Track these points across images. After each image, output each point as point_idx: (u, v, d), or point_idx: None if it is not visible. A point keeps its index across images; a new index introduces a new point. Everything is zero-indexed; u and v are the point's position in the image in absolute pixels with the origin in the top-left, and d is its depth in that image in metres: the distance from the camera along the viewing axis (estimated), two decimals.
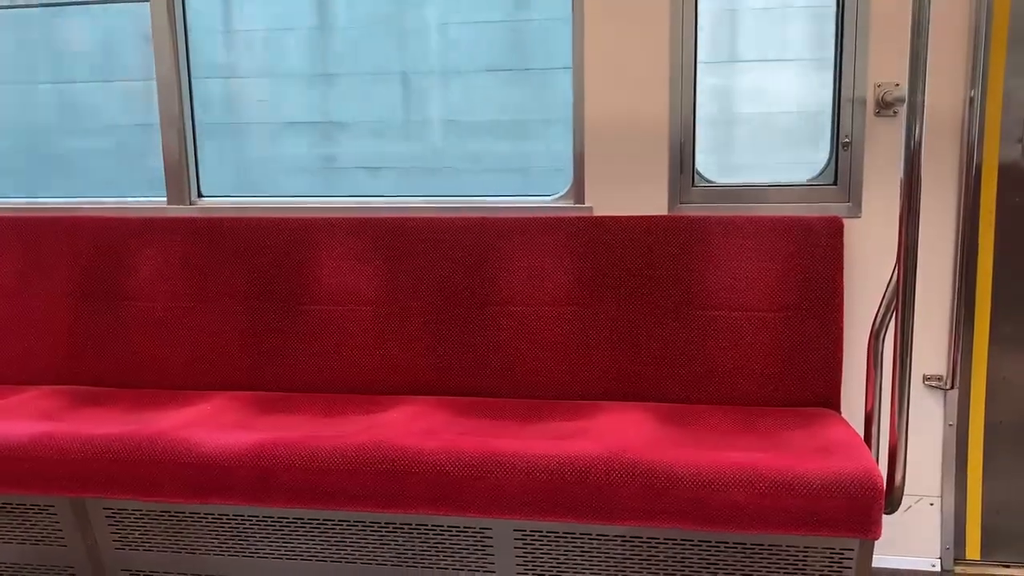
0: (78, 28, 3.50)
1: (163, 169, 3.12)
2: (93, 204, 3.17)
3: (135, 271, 2.96)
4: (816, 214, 2.66)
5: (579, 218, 2.77)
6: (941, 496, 2.79)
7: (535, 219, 2.78)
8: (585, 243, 2.73)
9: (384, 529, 2.38)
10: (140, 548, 2.52)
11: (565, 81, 2.87)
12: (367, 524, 2.38)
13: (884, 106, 2.63)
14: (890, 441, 2.17)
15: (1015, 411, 2.74)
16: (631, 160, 2.77)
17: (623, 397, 2.70)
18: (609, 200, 2.79)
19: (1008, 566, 2.81)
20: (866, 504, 2.06)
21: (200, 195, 3.16)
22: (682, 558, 2.25)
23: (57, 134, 3.57)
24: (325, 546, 2.42)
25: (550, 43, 3.11)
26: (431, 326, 2.80)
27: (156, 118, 3.10)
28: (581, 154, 2.81)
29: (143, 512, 2.47)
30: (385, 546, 2.39)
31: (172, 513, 2.45)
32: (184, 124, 3.09)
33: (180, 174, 3.09)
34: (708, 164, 2.83)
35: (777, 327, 2.63)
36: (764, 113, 2.90)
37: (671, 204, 2.78)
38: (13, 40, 3.50)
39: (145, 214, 3.02)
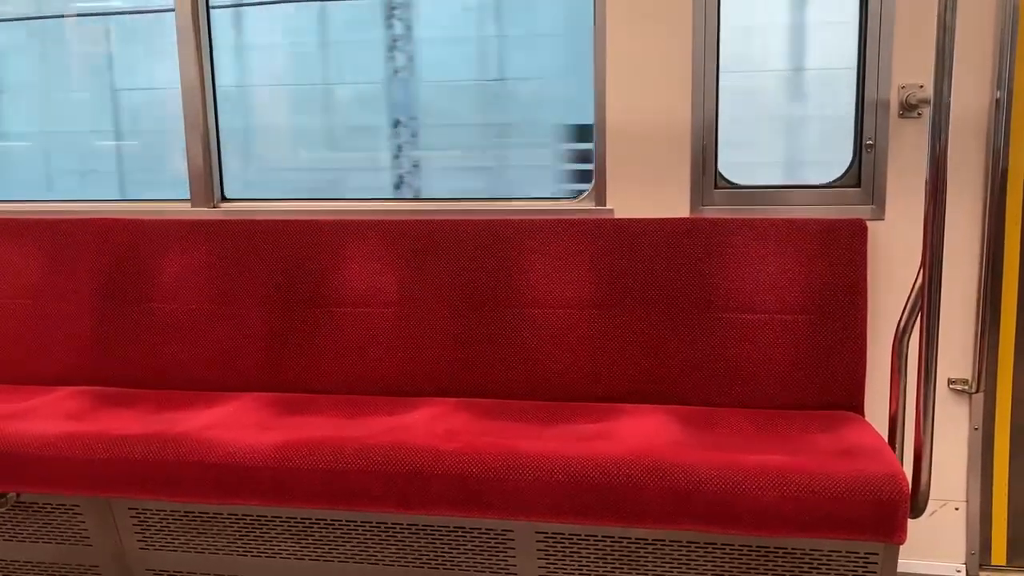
0: None
1: (187, 172, 3.15)
2: (117, 206, 3.20)
3: (159, 273, 2.98)
4: (839, 216, 2.65)
5: (601, 220, 2.77)
6: (966, 501, 2.76)
7: (557, 221, 2.77)
8: (607, 245, 2.73)
9: (406, 531, 2.38)
10: (164, 548, 2.54)
11: None
12: (388, 525, 2.38)
13: (908, 108, 2.61)
14: (915, 445, 2.15)
15: None
16: (653, 162, 2.77)
17: (645, 399, 2.69)
18: (631, 202, 2.79)
19: None
20: (891, 508, 2.04)
21: (224, 198, 3.18)
22: (705, 561, 2.24)
23: None
24: (346, 547, 2.43)
25: None
26: (453, 328, 2.80)
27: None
28: (603, 156, 2.81)
29: (167, 512, 2.49)
30: (406, 548, 2.40)
31: (196, 513, 2.47)
32: (208, 129, 3.12)
33: (204, 177, 3.12)
34: None
35: (800, 330, 2.61)
36: None
37: (693, 206, 2.77)
38: None
39: (169, 216, 3.05)
